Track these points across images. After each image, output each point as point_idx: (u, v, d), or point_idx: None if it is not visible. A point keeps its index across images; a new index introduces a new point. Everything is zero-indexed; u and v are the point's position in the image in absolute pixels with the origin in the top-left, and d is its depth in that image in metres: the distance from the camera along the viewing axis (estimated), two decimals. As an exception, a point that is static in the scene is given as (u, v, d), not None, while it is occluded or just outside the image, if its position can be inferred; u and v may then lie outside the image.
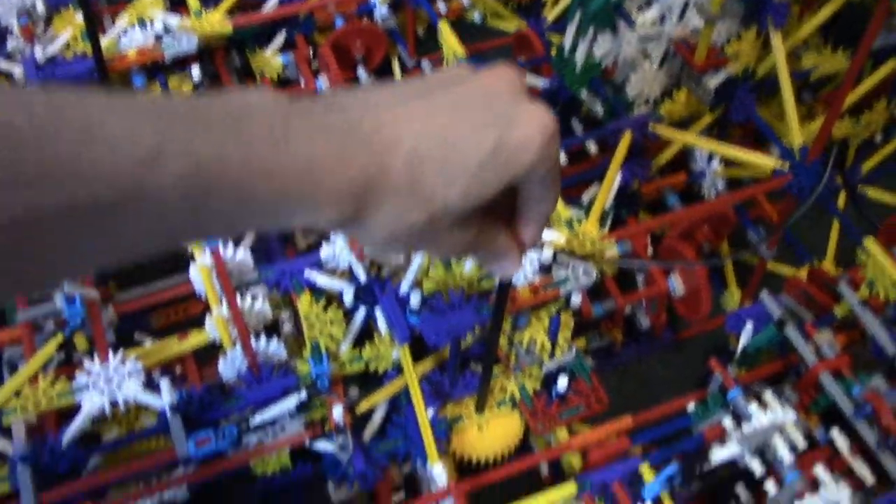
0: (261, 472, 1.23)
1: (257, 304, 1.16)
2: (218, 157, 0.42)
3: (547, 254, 1.07)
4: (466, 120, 0.50)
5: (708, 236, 1.34)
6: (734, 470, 1.16)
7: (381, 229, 0.54)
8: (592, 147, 1.35)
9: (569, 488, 1.02)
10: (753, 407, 1.01)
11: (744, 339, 1.17)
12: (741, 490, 1.11)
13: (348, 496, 1.21)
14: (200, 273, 1.17)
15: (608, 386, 1.39)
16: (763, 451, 1.02)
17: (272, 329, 1.21)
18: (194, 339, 1.18)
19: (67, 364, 1.21)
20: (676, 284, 1.30)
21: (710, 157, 1.39)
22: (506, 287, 0.87)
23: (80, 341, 1.21)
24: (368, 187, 0.49)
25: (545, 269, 1.08)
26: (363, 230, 0.54)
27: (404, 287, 1.08)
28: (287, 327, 1.22)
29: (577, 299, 1.12)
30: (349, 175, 0.46)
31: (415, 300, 1.03)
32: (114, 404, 1.08)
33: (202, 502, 1.25)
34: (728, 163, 1.40)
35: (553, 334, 1.08)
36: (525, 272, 1.10)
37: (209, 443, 1.04)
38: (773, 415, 1.00)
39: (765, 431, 0.99)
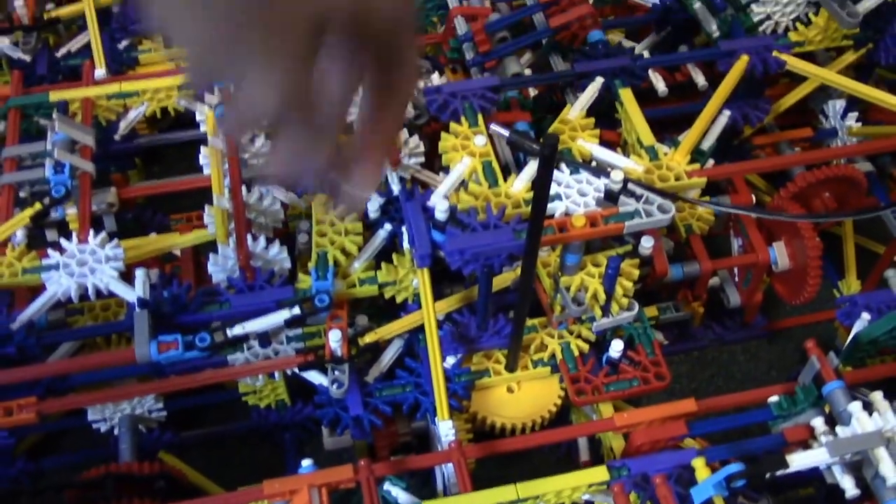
0: (253, 404, 1.06)
1: (266, 200, 0.98)
2: None
3: (616, 178, 0.85)
4: None
5: (828, 204, 1.08)
6: (817, 492, 0.92)
7: None
8: (700, 78, 1.12)
9: (597, 474, 0.80)
10: (855, 407, 0.77)
11: (856, 330, 0.92)
12: (824, 515, 0.86)
13: (342, 445, 1.02)
14: (209, 156, 1.00)
15: (677, 372, 1.17)
16: (859, 469, 0.78)
17: (287, 241, 1.03)
18: (195, 235, 1.01)
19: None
20: (780, 256, 1.05)
21: (846, 112, 1.13)
22: (540, 205, 0.67)
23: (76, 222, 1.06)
24: None
25: (610, 199, 0.86)
26: None
27: (435, 196, 0.88)
28: (303, 239, 1.03)
29: (647, 245, 0.90)
30: None
31: (441, 209, 0.83)
32: (83, 290, 0.93)
33: (184, 425, 1.09)
34: (866, 121, 1.14)
35: (609, 281, 0.86)
36: (585, 197, 0.88)
37: (174, 348, 0.87)
38: (881, 421, 0.76)
39: (866, 441, 0.75)
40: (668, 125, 1.14)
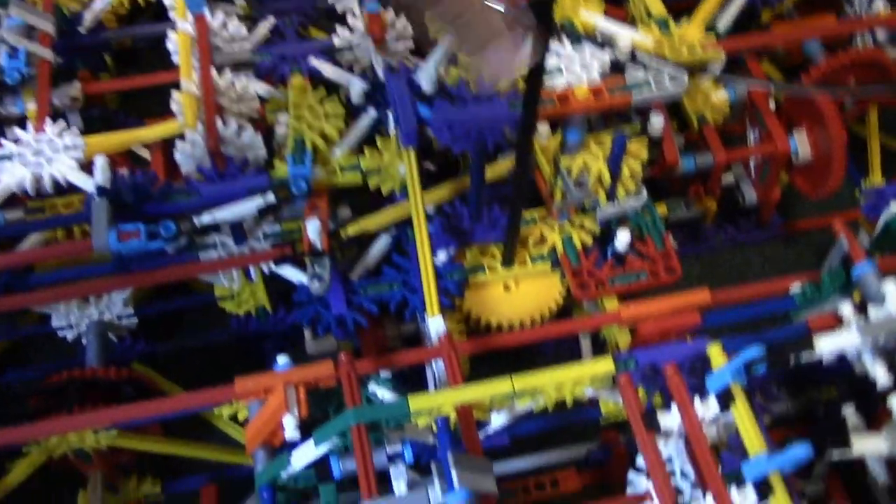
0: (231, 311, 0.99)
1: (239, 83, 0.90)
2: None
3: (623, 46, 0.76)
4: None
5: (854, 92, 1.00)
6: (839, 393, 0.84)
7: None
8: (714, -44, 1.02)
9: (602, 365, 0.72)
10: (891, 286, 0.69)
11: (884, 219, 0.84)
12: (850, 413, 0.79)
13: (326, 349, 0.95)
14: (178, 41, 0.92)
15: (688, 275, 1.08)
16: (892, 357, 0.70)
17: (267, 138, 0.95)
18: (163, 127, 0.93)
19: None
20: (800, 145, 0.97)
21: (872, -2, 1.04)
22: (536, 73, 0.59)
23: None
24: None
25: (616, 69, 0.78)
26: None
27: (423, 68, 0.79)
28: (282, 130, 0.95)
29: (657, 122, 0.81)
30: None
31: (427, 79, 0.75)
32: (38, 182, 0.85)
33: (160, 336, 1.02)
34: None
35: (615, 161, 0.78)
36: (587, 68, 0.79)
37: (136, 238, 0.79)
38: (917, 301, 0.68)
39: (902, 322, 0.67)
40: (679, 6, 1.05)
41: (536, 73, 0.60)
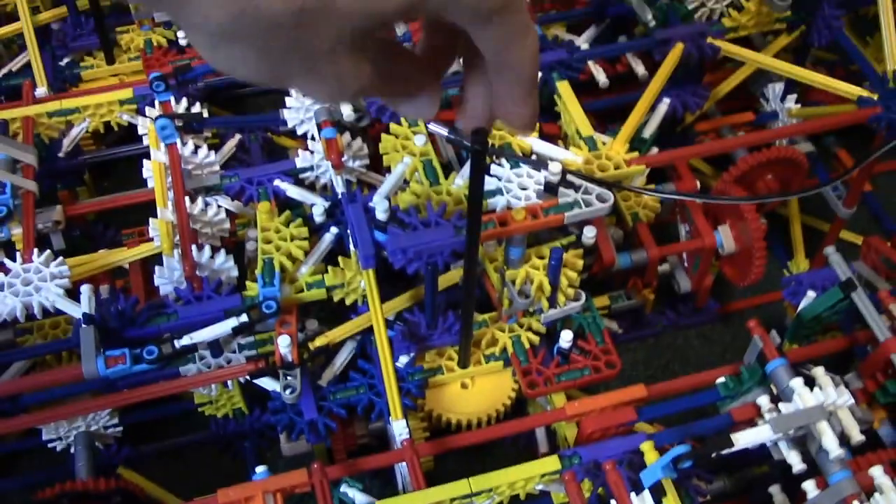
0: (210, 414, 1.06)
1: (211, 210, 0.98)
2: None
3: (554, 169, 0.85)
4: None
5: (771, 186, 1.10)
6: (772, 469, 0.93)
7: (208, 9, 0.40)
8: (640, 68, 1.12)
9: (549, 464, 0.80)
10: (797, 383, 0.78)
11: (802, 307, 0.94)
12: (776, 492, 0.87)
13: (301, 450, 1.02)
14: (152, 170, 1.00)
15: (633, 359, 1.17)
16: (805, 443, 0.79)
17: (236, 250, 1.03)
18: (141, 248, 1.01)
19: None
20: (725, 240, 1.06)
21: (785, 95, 1.15)
22: (478, 164, 0.66)
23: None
24: None
25: (550, 191, 0.87)
26: (183, 7, 0.41)
27: (376, 197, 0.88)
28: (251, 246, 1.03)
29: (590, 234, 0.90)
30: None
31: (381, 209, 0.83)
32: (29, 309, 0.92)
33: (143, 439, 1.08)
34: (806, 102, 1.16)
35: (553, 272, 0.87)
36: (526, 191, 0.88)
37: (122, 363, 0.86)
38: (822, 395, 0.77)
39: (808, 415, 0.76)
40: (613, 116, 1.16)
41: (475, 198, 0.68)
